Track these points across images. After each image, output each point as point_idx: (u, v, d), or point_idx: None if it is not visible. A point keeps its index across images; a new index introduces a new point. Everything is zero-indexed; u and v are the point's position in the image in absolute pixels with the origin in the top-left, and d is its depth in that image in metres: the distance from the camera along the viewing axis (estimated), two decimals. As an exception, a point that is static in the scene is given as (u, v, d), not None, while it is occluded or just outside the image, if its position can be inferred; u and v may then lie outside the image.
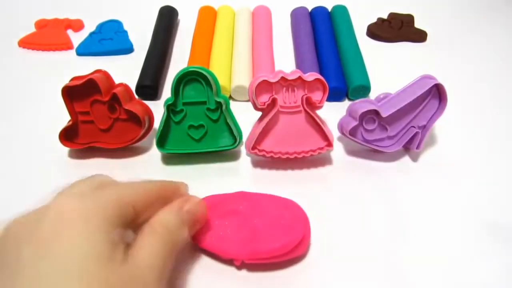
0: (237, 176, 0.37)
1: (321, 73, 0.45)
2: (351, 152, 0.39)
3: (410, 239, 0.31)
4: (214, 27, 0.52)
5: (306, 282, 0.29)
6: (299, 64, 0.47)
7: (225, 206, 0.30)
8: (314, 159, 0.37)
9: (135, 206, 0.24)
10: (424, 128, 0.36)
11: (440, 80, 0.35)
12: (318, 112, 0.35)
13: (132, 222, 0.24)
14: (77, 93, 0.35)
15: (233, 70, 0.46)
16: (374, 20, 0.56)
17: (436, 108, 0.36)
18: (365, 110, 0.35)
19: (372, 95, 0.45)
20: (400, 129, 0.37)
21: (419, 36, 0.54)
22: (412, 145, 0.37)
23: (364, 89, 0.44)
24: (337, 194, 0.35)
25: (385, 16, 0.56)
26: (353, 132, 0.36)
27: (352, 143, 0.38)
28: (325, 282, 0.29)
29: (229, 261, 0.29)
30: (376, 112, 0.35)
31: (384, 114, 0.35)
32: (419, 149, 0.36)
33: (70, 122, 0.36)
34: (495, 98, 0.45)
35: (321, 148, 0.36)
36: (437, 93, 0.36)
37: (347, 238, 0.31)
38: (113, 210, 0.22)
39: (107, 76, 0.36)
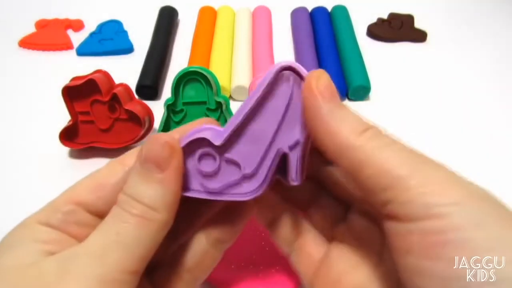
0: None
1: (321, 73, 0.45)
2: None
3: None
4: (214, 27, 0.52)
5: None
6: (299, 64, 0.47)
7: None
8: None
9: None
10: (296, 146, 0.20)
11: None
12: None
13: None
14: (77, 93, 0.35)
15: (233, 70, 0.46)
16: (374, 20, 0.56)
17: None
18: (187, 142, 0.20)
19: (372, 95, 0.45)
20: (260, 159, 0.20)
21: (419, 36, 0.54)
22: (289, 176, 0.20)
23: (364, 89, 0.44)
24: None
25: (385, 16, 0.56)
26: (189, 185, 0.21)
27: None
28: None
29: None
30: (209, 143, 0.20)
31: (218, 139, 0.20)
32: (297, 181, 0.20)
33: (70, 122, 0.36)
34: (496, 98, 0.45)
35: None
36: (299, 81, 0.20)
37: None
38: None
39: (107, 76, 0.36)
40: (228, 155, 0.20)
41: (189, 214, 0.23)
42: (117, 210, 0.18)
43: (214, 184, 0.21)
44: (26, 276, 0.16)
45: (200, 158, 0.21)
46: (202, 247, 0.22)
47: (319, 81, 0.18)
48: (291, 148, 0.20)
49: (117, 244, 0.17)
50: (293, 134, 0.20)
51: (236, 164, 0.20)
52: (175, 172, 0.19)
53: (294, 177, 0.20)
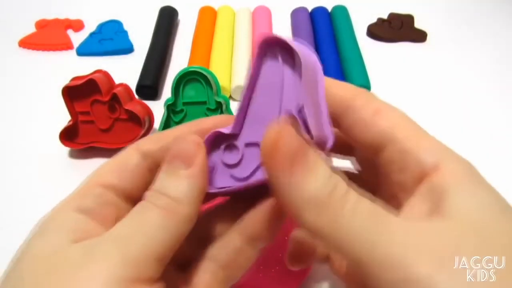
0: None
1: (321, 73, 0.45)
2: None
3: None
4: (214, 27, 0.52)
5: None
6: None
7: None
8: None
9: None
10: (303, 108, 0.19)
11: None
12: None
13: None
14: (77, 93, 0.35)
15: (233, 70, 0.46)
16: (374, 20, 0.56)
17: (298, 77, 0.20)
18: (206, 139, 0.21)
19: (372, 95, 0.45)
20: None
21: (419, 36, 0.54)
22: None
23: (364, 89, 0.44)
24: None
25: (385, 16, 0.56)
26: (218, 181, 0.21)
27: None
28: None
29: None
30: (225, 135, 0.21)
31: (229, 129, 0.21)
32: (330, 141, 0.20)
33: (71, 122, 0.36)
34: (496, 98, 0.45)
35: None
36: (286, 53, 0.20)
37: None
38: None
39: (107, 76, 0.36)
40: (247, 140, 0.21)
41: (224, 210, 0.23)
42: (142, 203, 0.19)
43: (243, 172, 0.21)
44: (52, 263, 0.17)
45: (224, 151, 0.21)
46: (237, 244, 0.21)
47: (278, 144, 0.16)
48: (299, 112, 0.19)
49: (141, 232, 0.17)
50: (297, 99, 0.20)
51: (256, 144, 0.21)
52: (200, 167, 0.19)
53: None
